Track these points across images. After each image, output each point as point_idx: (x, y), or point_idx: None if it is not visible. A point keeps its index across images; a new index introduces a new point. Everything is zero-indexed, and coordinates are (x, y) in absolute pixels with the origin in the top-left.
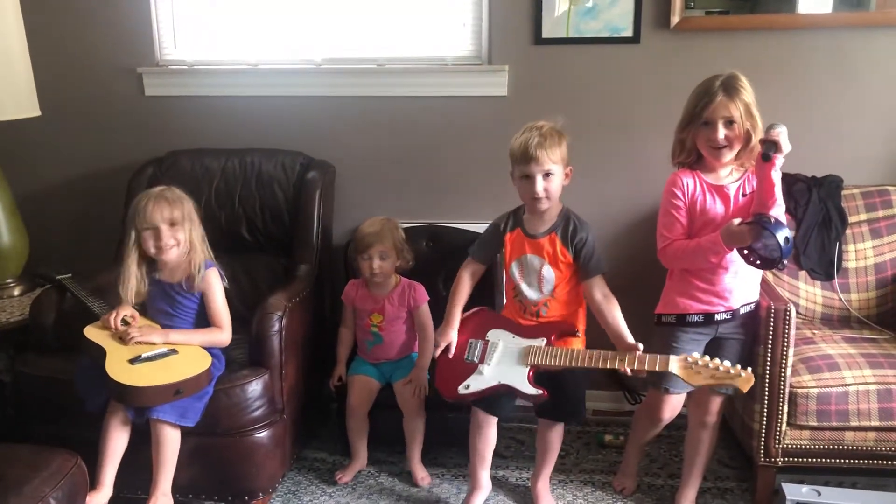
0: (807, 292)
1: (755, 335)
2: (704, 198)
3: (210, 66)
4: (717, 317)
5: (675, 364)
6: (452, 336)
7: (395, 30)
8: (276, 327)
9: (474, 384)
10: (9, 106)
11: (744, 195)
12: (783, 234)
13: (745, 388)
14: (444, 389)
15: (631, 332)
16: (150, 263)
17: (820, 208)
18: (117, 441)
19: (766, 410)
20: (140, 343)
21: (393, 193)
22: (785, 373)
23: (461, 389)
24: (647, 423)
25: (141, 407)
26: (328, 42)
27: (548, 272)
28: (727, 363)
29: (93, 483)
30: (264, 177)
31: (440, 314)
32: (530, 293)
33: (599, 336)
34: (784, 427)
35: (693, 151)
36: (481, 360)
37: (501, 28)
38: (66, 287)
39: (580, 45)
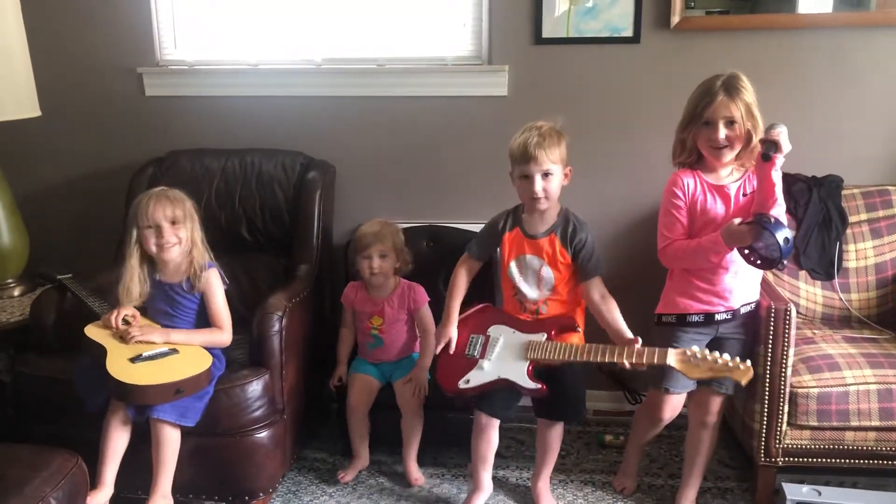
0: (807, 292)
1: (755, 335)
2: (705, 198)
3: (210, 66)
4: (718, 317)
5: (672, 357)
6: (452, 332)
7: (395, 30)
8: (277, 327)
9: (474, 379)
10: (9, 106)
11: (744, 195)
12: (783, 235)
13: (745, 381)
14: (444, 384)
15: (630, 331)
16: (151, 264)
17: (820, 208)
18: (118, 440)
19: (766, 410)
20: (141, 342)
21: (393, 193)
22: (785, 372)
23: (461, 384)
24: (648, 423)
25: (141, 406)
26: (328, 42)
27: (547, 272)
28: (726, 356)
29: (93, 482)
30: (264, 177)
31: (440, 314)
32: (529, 292)
33: (599, 335)
34: (784, 427)
35: (694, 151)
36: (482, 355)
37: (501, 28)
38: (67, 287)
39: (580, 45)
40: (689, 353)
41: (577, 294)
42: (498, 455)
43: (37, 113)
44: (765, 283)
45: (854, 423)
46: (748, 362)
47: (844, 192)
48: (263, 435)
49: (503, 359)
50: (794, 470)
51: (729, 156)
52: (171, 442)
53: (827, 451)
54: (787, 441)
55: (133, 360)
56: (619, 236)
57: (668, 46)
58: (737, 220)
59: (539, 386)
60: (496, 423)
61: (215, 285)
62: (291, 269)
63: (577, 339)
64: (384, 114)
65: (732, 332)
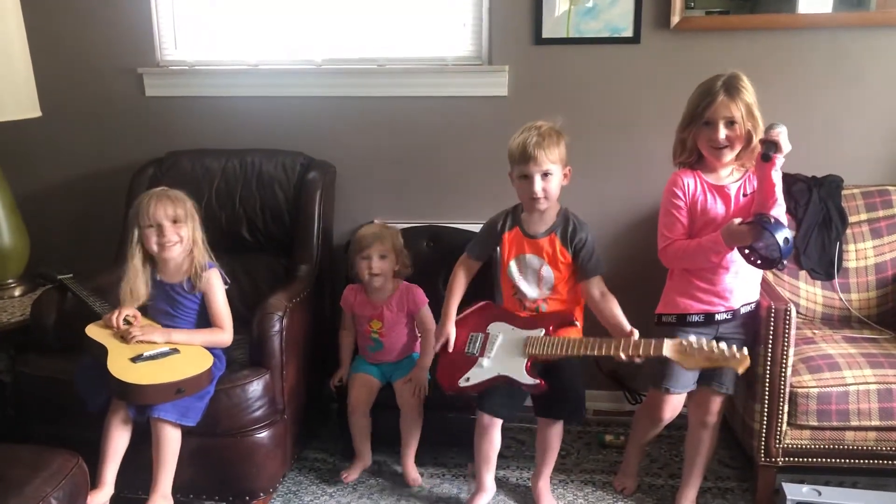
0: (807, 292)
1: (756, 335)
2: (705, 198)
3: (210, 66)
4: (718, 317)
5: (668, 347)
6: (450, 331)
7: (395, 30)
8: (277, 327)
9: (474, 376)
10: (9, 106)
11: (744, 195)
12: (783, 235)
13: (741, 370)
14: (445, 382)
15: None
16: (152, 264)
17: (820, 208)
18: (118, 440)
19: (766, 410)
20: (142, 342)
21: (393, 193)
22: (785, 372)
23: (462, 382)
24: (648, 423)
25: (142, 405)
26: (328, 42)
27: (547, 272)
28: (723, 345)
29: (94, 482)
30: (265, 177)
31: (440, 314)
32: (529, 291)
33: (598, 333)
34: (784, 427)
35: (694, 151)
36: (481, 353)
37: (501, 28)
38: (68, 287)
39: (580, 45)
40: (684, 343)
41: (576, 293)
42: (498, 455)
43: (37, 113)
44: (765, 283)
45: (854, 423)
46: (745, 350)
47: (844, 192)
48: (264, 435)
49: (502, 356)
50: (794, 470)
51: (729, 156)
52: (171, 442)
53: (827, 450)
54: (788, 441)
55: (134, 359)
56: (619, 236)
57: (668, 46)
58: (737, 220)
59: (537, 381)
60: (498, 423)
61: (216, 285)
62: (292, 269)
63: (575, 334)
64: (384, 114)
65: (732, 332)
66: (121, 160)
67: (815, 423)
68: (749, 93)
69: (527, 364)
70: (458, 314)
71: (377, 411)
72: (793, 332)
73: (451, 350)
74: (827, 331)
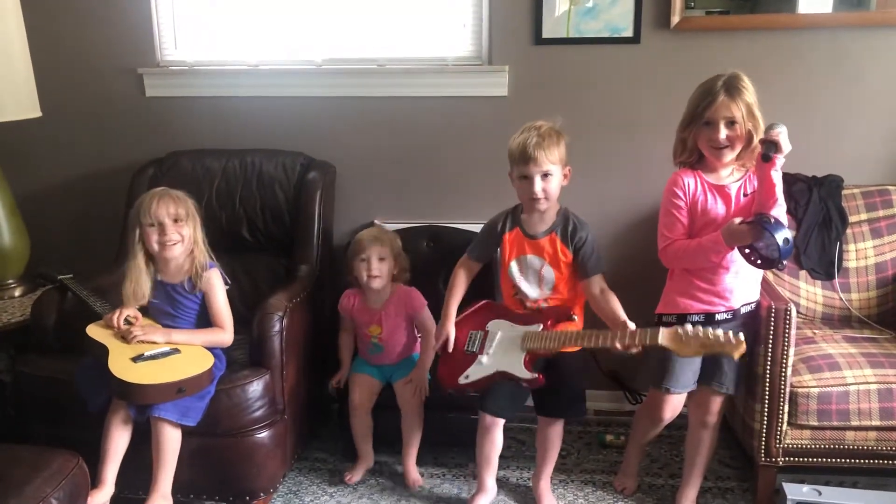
0: (807, 292)
1: (756, 335)
2: (706, 198)
3: (210, 66)
4: (718, 317)
5: (664, 336)
6: (450, 330)
7: (395, 30)
8: (277, 328)
9: (474, 374)
10: (9, 106)
11: (745, 195)
12: (783, 235)
13: (737, 355)
14: (445, 380)
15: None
16: (153, 264)
17: (820, 208)
18: (119, 439)
19: (766, 410)
20: (142, 342)
21: (393, 193)
22: (786, 372)
23: (461, 380)
24: (648, 423)
25: (143, 405)
26: (328, 42)
27: (548, 272)
28: (719, 331)
29: (94, 482)
30: (265, 177)
31: (440, 314)
32: (530, 291)
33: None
34: (785, 427)
35: (695, 151)
36: (481, 350)
37: (501, 28)
38: (68, 287)
39: (580, 46)
40: (680, 331)
41: (577, 292)
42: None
43: (37, 113)
44: (765, 283)
45: (854, 423)
46: (741, 336)
47: (844, 191)
48: (264, 435)
49: (501, 352)
50: (794, 470)
51: (730, 156)
52: (171, 441)
53: (827, 450)
54: (788, 441)
55: (135, 359)
56: (619, 236)
57: (668, 46)
58: (737, 220)
59: (535, 376)
60: (500, 423)
61: (216, 285)
62: (292, 269)
63: (573, 328)
64: (384, 114)
65: (733, 331)
66: (121, 160)
67: (816, 423)
68: (749, 93)
69: (525, 359)
70: (458, 314)
71: (378, 411)
72: (793, 331)
73: (450, 349)
74: (827, 330)
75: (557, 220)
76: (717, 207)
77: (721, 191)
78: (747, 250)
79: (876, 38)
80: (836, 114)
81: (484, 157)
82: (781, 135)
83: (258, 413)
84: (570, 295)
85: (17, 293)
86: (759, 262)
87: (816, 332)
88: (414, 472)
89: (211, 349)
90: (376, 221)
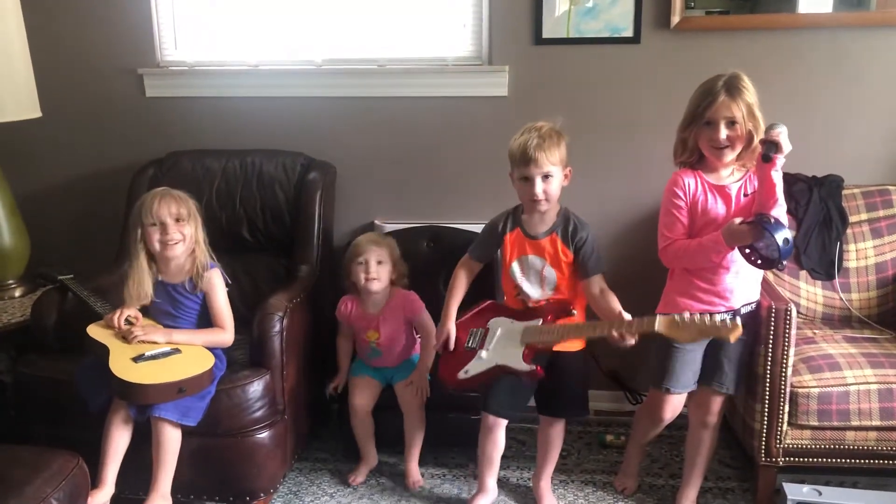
0: (808, 292)
1: (756, 335)
2: (706, 198)
3: (211, 66)
4: (718, 317)
5: (660, 323)
6: (450, 329)
7: (395, 30)
8: (277, 328)
9: (473, 368)
10: (9, 107)
11: (745, 195)
12: (783, 235)
13: (734, 338)
14: (445, 377)
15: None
16: (154, 264)
17: (821, 208)
18: (119, 439)
19: (767, 410)
20: (143, 342)
21: (393, 194)
22: (786, 372)
23: (461, 374)
24: (648, 423)
25: (143, 405)
26: (328, 43)
27: (549, 272)
28: (716, 317)
29: (94, 482)
30: (265, 177)
31: (441, 315)
32: (532, 292)
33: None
34: (785, 427)
35: (695, 151)
36: (481, 346)
37: (502, 28)
38: (69, 287)
39: (580, 46)
40: (676, 318)
41: (578, 292)
42: None
43: (37, 114)
44: (765, 283)
45: (855, 423)
46: (737, 319)
47: (845, 191)
48: (264, 435)
49: (500, 347)
50: (794, 470)
51: (730, 156)
52: (171, 441)
53: (828, 450)
54: (788, 441)
55: (136, 359)
56: (619, 236)
57: (668, 46)
58: (737, 220)
59: (533, 368)
60: (503, 423)
61: (217, 285)
62: (292, 269)
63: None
64: (384, 114)
65: (729, 317)
66: (121, 161)
67: (816, 423)
68: (750, 93)
69: (524, 352)
70: (460, 315)
71: (378, 412)
72: (793, 331)
73: (451, 348)
74: (827, 331)
75: (558, 220)
76: (718, 207)
77: (721, 191)
78: (747, 250)
79: (876, 38)
80: (836, 114)
81: (484, 157)
82: (782, 135)
83: (258, 413)
84: (571, 295)
85: (17, 293)
86: (759, 262)
87: (817, 332)
88: (415, 472)
89: (211, 349)
90: (376, 222)
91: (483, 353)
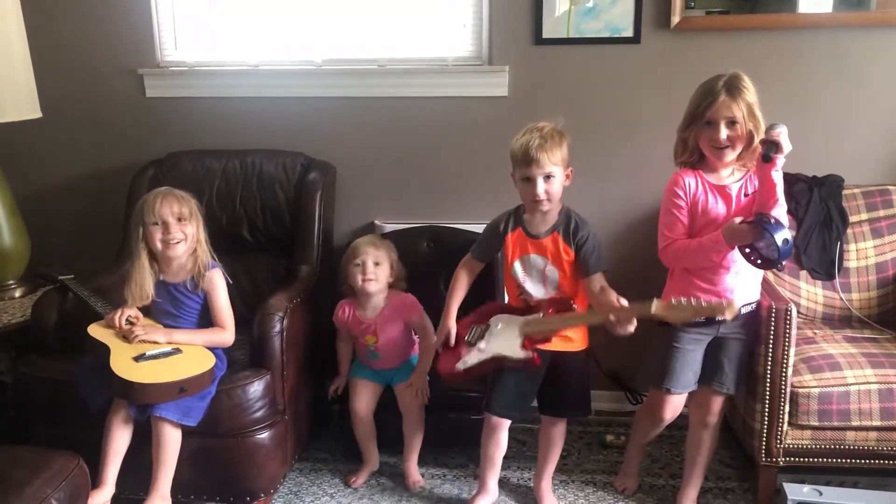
0: (808, 292)
1: (756, 335)
2: (706, 197)
3: (211, 67)
4: (719, 317)
5: (656, 305)
6: (451, 326)
7: (395, 30)
8: (278, 328)
9: (471, 359)
10: (10, 107)
11: (745, 195)
12: (782, 236)
13: (730, 315)
14: (443, 370)
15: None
16: (155, 264)
17: (821, 208)
18: (120, 439)
19: (767, 410)
20: (144, 341)
21: (393, 194)
22: (786, 372)
23: (459, 365)
24: (649, 424)
25: (144, 405)
26: (328, 43)
27: (551, 271)
28: (712, 298)
29: (95, 482)
30: (265, 177)
31: (441, 315)
32: (535, 291)
33: (600, 336)
34: (785, 427)
35: (696, 151)
36: (480, 339)
37: (502, 28)
38: (69, 287)
39: (580, 46)
40: (674, 301)
41: (580, 290)
42: None
43: (37, 114)
44: (765, 283)
45: (855, 423)
46: (730, 297)
47: (845, 191)
48: (264, 436)
49: (499, 340)
50: (795, 470)
51: (730, 156)
52: (172, 441)
53: (828, 450)
54: (789, 441)
55: (137, 358)
56: (619, 236)
57: (669, 46)
58: (738, 219)
59: (531, 354)
60: (506, 424)
61: (219, 285)
62: (292, 269)
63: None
64: (385, 114)
65: (733, 332)
66: (121, 161)
67: (816, 423)
68: (750, 93)
69: (522, 343)
70: (464, 316)
71: (378, 413)
72: (793, 331)
73: (451, 345)
74: (828, 330)
75: (560, 219)
76: (718, 207)
77: (722, 191)
78: (748, 250)
79: (876, 38)
80: (836, 114)
81: (484, 157)
82: (782, 135)
83: (259, 413)
84: (573, 294)
85: (17, 294)
86: (759, 261)
87: (817, 332)
88: (415, 473)
89: (212, 349)
90: (376, 222)
91: (481, 345)
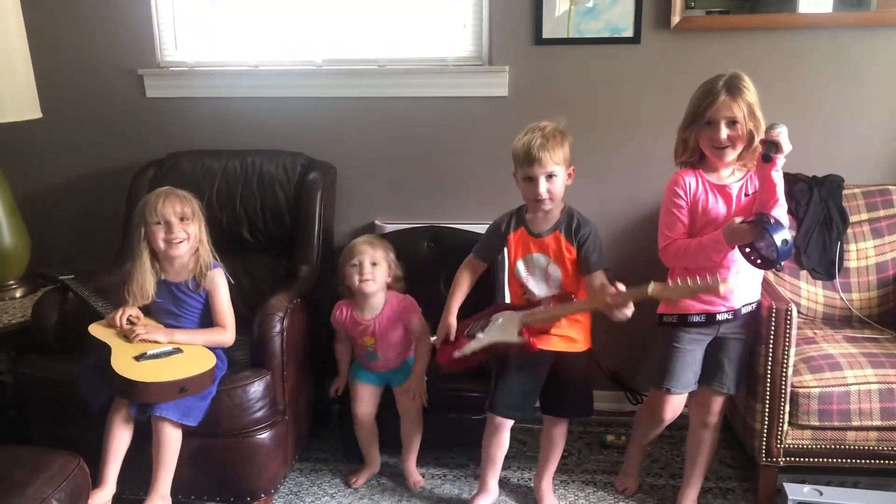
0: (808, 292)
1: (757, 335)
2: (707, 197)
3: (211, 67)
4: (719, 317)
5: (653, 288)
6: (451, 323)
7: (395, 30)
8: (278, 328)
9: (469, 348)
10: (10, 108)
11: (746, 195)
12: (782, 236)
13: (723, 290)
14: (441, 359)
15: (632, 332)
16: (157, 264)
17: (821, 208)
18: (120, 439)
19: (767, 410)
20: (145, 341)
21: (394, 194)
22: (786, 372)
23: (456, 354)
24: (649, 424)
25: (144, 404)
26: (328, 43)
27: (554, 270)
28: (707, 277)
29: (96, 481)
30: (265, 178)
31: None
32: (538, 290)
33: (601, 337)
34: (786, 427)
35: (696, 151)
36: (480, 331)
37: (502, 28)
38: (70, 287)
39: (581, 46)
40: (670, 283)
41: (582, 289)
42: None
43: (38, 115)
44: (766, 283)
45: (855, 423)
46: (726, 275)
47: (845, 191)
48: (265, 436)
49: (499, 330)
50: (795, 470)
51: (731, 155)
52: (172, 441)
53: (828, 450)
54: (789, 441)
55: (137, 358)
56: (619, 236)
57: (669, 46)
58: (738, 219)
59: (526, 339)
60: (508, 424)
61: (220, 285)
62: (292, 269)
63: None
64: (385, 114)
65: (733, 331)
66: (121, 161)
67: (817, 423)
68: (751, 92)
69: (521, 331)
70: (465, 319)
71: (378, 413)
72: (794, 331)
73: (451, 339)
74: (828, 330)
75: (561, 217)
76: (718, 207)
77: (722, 190)
78: (747, 250)
79: (876, 38)
80: (836, 114)
81: (484, 157)
82: (782, 135)
83: (259, 414)
84: (576, 292)
85: (17, 294)
86: (758, 261)
87: (817, 332)
88: (415, 473)
89: (212, 349)
90: (377, 222)
91: (480, 334)
